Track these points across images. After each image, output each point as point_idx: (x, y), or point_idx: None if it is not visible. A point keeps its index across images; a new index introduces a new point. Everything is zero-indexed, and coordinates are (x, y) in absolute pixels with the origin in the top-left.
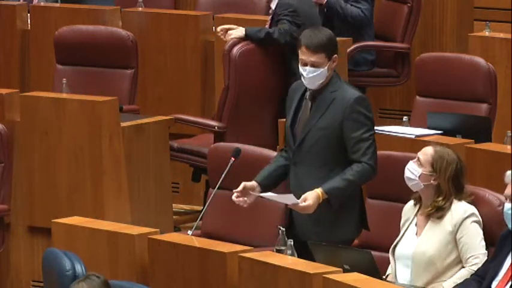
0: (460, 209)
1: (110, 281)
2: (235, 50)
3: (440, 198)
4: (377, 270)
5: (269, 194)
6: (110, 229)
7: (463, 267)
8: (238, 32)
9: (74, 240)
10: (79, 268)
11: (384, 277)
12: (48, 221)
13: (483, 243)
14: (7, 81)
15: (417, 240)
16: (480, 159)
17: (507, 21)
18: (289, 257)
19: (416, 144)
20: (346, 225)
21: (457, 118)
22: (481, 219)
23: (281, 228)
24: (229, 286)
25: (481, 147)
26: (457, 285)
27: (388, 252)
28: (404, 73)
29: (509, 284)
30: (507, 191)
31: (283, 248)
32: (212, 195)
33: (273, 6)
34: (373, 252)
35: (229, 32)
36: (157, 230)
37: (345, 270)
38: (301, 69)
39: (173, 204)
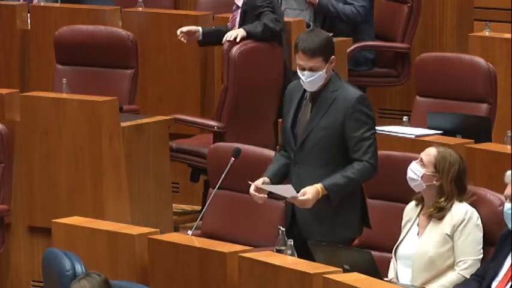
0: (460, 210)
1: (110, 281)
2: (234, 50)
3: (442, 199)
4: (377, 270)
5: (269, 185)
6: (110, 229)
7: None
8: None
9: (74, 240)
10: (79, 268)
11: (387, 279)
12: (48, 221)
13: (478, 247)
14: (7, 81)
15: (419, 241)
16: (480, 159)
17: (507, 21)
18: (289, 257)
19: (417, 144)
20: (348, 224)
21: (457, 118)
22: (480, 222)
23: (281, 228)
24: (229, 286)
25: (481, 147)
26: (457, 285)
27: (388, 252)
28: (404, 73)
29: (509, 284)
30: (507, 191)
31: (283, 248)
32: (212, 195)
33: (239, 3)
34: (373, 252)
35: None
36: (157, 230)
37: (345, 270)
38: (299, 73)
39: (173, 204)
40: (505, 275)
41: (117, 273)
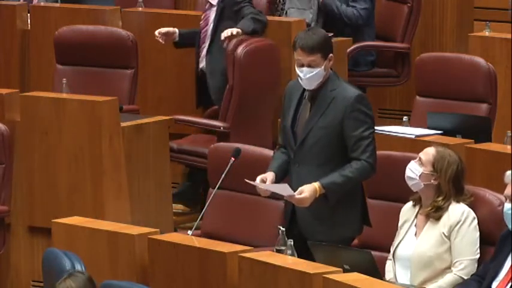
0: (457, 211)
1: (110, 281)
2: (239, 49)
3: (440, 198)
4: (377, 270)
5: (265, 184)
6: (110, 229)
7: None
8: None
9: (74, 240)
10: (79, 268)
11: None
12: (48, 221)
13: (475, 248)
14: (7, 81)
15: (416, 242)
16: (480, 159)
17: (507, 21)
18: (289, 257)
19: (416, 144)
20: (348, 223)
21: (457, 118)
22: (477, 223)
23: (281, 228)
24: (229, 286)
25: (481, 147)
26: (456, 285)
27: (388, 252)
28: (404, 73)
29: (510, 284)
30: (507, 191)
31: (283, 248)
32: (212, 195)
33: (214, 1)
34: (373, 252)
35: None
36: (157, 230)
37: (345, 270)
38: (297, 70)
39: (173, 204)
40: (505, 275)
41: (117, 273)
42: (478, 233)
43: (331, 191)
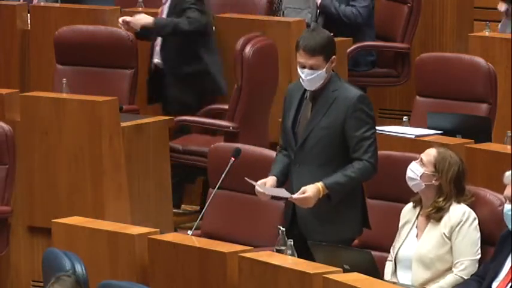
0: (457, 211)
1: (110, 281)
2: (247, 49)
3: (441, 199)
4: (377, 270)
5: (265, 188)
6: (110, 229)
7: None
8: (147, 20)
9: (74, 240)
10: (79, 268)
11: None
12: (48, 221)
13: (476, 248)
14: (7, 81)
15: (417, 243)
16: (480, 159)
17: None
18: (289, 257)
19: (416, 144)
20: (348, 224)
21: (457, 118)
22: (477, 223)
23: (281, 228)
24: (229, 286)
25: (481, 147)
26: (456, 285)
27: (388, 252)
28: (404, 73)
29: (510, 285)
30: (506, 192)
31: (283, 248)
32: (212, 195)
33: None
34: (373, 252)
35: (137, 17)
36: (157, 230)
37: (345, 270)
38: (299, 71)
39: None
40: (505, 275)
41: (117, 273)
42: (479, 234)
43: (334, 191)
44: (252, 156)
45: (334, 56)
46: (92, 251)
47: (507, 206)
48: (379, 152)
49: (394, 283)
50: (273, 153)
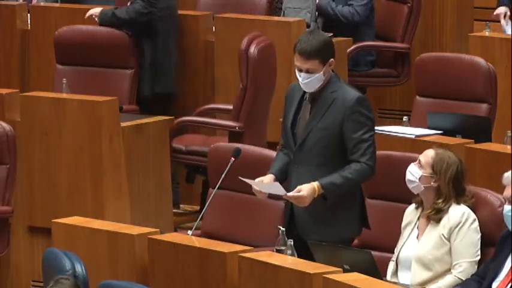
0: (457, 212)
1: (110, 281)
2: (252, 48)
3: (440, 200)
4: (377, 270)
5: (259, 184)
6: (110, 229)
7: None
8: (95, 10)
9: (74, 240)
10: (79, 268)
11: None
12: (48, 221)
13: (475, 250)
14: (7, 81)
15: (418, 244)
16: (480, 159)
17: None
18: (289, 257)
19: (416, 144)
20: (347, 224)
21: (457, 118)
22: (477, 225)
23: (281, 228)
24: (229, 286)
25: (481, 147)
26: (456, 285)
27: (388, 252)
28: (404, 73)
29: (510, 285)
30: (506, 193)
31: (283, 248)
32: (212, 195)
33: None
34: (373, 252)
35: (92, 10)
36: (157, 230)
37: (345, 270)
38: (297, 74)
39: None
40: (505, 276)
41: (117, 273)
42: (479, 235)
43: (329, 191)
44: (252, 156)
45: (332, 59)
46: (92, 251)
47: (507, 207)
48: (379, 152)
49: (395, 283)
50: (273, 153)
